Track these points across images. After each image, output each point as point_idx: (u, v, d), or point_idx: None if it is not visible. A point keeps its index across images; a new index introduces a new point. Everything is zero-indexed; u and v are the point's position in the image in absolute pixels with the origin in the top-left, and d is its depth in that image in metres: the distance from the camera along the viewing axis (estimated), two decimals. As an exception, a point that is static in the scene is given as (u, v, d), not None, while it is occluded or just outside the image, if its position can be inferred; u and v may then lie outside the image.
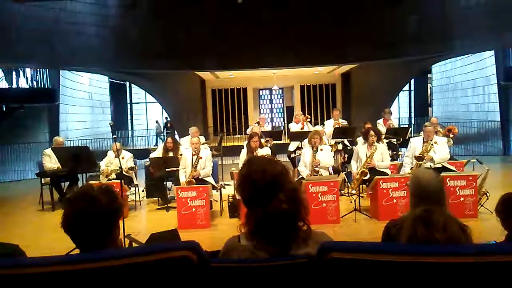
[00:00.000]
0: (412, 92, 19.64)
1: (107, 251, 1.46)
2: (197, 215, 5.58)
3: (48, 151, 7.39)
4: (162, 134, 19.80)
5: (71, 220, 1.50)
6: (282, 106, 19.08)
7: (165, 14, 10.67)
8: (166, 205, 6.71)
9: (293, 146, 8.38)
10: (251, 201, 1.52)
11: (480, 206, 5.57)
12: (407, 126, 14.51)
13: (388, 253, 1.22)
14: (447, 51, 11.44)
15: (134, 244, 3.99)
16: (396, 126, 8.96)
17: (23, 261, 1.49)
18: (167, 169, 6.82)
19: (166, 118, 20.08)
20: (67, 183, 7.28)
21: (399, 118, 18.49)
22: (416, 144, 6.16)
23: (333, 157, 7.11)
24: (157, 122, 20.36)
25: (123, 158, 7.02)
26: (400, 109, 19.44)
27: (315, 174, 6.11)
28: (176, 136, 12.81)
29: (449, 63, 14.52)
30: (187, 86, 14.61)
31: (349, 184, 6.79)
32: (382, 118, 8.65)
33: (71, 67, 12.08)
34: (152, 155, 7.54)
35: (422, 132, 6.50)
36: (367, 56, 11.53)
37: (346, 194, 6.75)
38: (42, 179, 7.21)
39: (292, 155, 8.19)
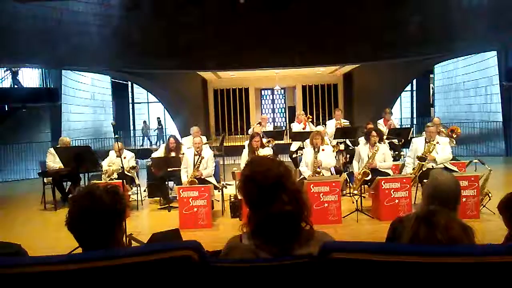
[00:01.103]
0: (414, 92, 19.61)
1: (109, 250, 1.47)
2: (199, 215, 5.58)
3: (53, 150, 7.41)
4: (150, 135, 20.04)
5: (74, 218, 1.51)
6: (284, 106, 19.07)
7: (167, 14, 10.68)
8: (167, 205, 6.71)
9: (295, 146, 8.38)
10: (253, 202, 1.52)
11: (482, 206, 5.56)
12: (409, 126, 14.49)
13: (389, 253, 1.22)
14: (449, 51, 11.43)
15: (136, 244, 4.00)
16: (397, 126, 8.96)
17: (26, 261, 1.50)
18: (169, 169, 6.83)
19: (158, 118, 20.36)
20: (69, 183, 7.31)
21: (401, 118, 18.49)
22: (418, 144, 6.15)
23: (335, 157, 7.11)
24: (144, 122, 20.45)
25: (125, 157, 7.02)
26: (402, 110, 19.42)
27: (316, 174, 6.11)
28: (178, 136, 12.82)
29: (451, 63, 14.50)
30: (189, 86, 14.63)
31: (351, 185, 6.79)
32: (383, 118, 8.65)
33: (73, 67, 12.10)
34: (154, 155, 7.55)
35: (424, 133, 6.49)
36: (369, 56, 11.52)
37: (348, 195, 6.74)
38: (45, 178, 7.23)
39: (294, 155, 8.19)
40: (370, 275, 1.23)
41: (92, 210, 1.49)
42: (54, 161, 7.28)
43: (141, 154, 8.96)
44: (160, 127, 20.02)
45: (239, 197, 5.87)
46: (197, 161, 6.39)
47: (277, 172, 1.50)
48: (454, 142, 7.24)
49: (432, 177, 2.43)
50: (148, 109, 22.26)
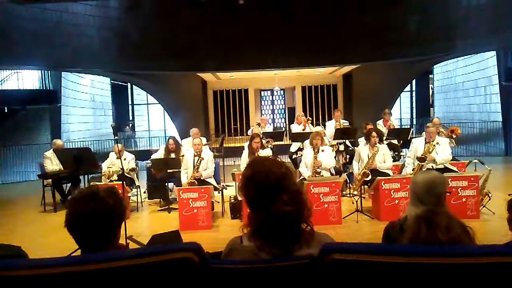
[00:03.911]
0: (414, 93, 19.59)
1: (110, 252, 1.46)
2: (199, 216, 5.58)
3: (49, 153, 7.42)
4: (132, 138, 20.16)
5: (76, 219, 1.50)
6: (284, 107, 19.07)
7: (167, 15, 10.69)
8: (167, 206, 6.71)
9: (294, 147, 8.38)
10: (254, 203, 1.52)
11: (482, 206, 5.55)
12: (408, 127, 14.48)
13: (390, 254, 1.21)
14: (448, 51, 11.42)
15: (136, 246, 4.00)
16: (396, 126, 8.96)
17: (26, 263, 1.50)
18: (168, 170, 6.83)
19: (131, 121, 20.39)
20: (68, 185, 7.30)
21: (400, 118, 18.47)
22: (418, 144, 6.15)
23: (335, 157, 7.11)
24: (128, 125, 20.51)
25: (124, 159, 7.02)
26: (402, 110, 19.40)
27: (316, 175, 6.11)
28: (178, 138, 12.81)
29: (451, 63, 14.49)
30: (189, 87, 14.63)
31: (350, 185, 6.79)
32: (382, 119, 8.65)
33: (72, 69, 12.10)
34: (153, 156, 7.55)
35: (424, 133, 6.49)
36: (368, 56, 11.52)
37: (348, 195, 6.75)
38: (44, 180, 7.23)
39: (294, 156, 8.20)
40: (370, 276, 1.23)
41: (96, 211, 1.49)
42: (51, 164, 7.30)
43: (141, 155, 8.94)
44: (129, 130, 20.13)
45: (239, 198, 5.87)
46: (197, 162, 6.39)
47: (278, 173, 1.50)
48: (454, 143, 7.24)
49: (414, 179, 2.49)
50: (148, 110, 22.26)
